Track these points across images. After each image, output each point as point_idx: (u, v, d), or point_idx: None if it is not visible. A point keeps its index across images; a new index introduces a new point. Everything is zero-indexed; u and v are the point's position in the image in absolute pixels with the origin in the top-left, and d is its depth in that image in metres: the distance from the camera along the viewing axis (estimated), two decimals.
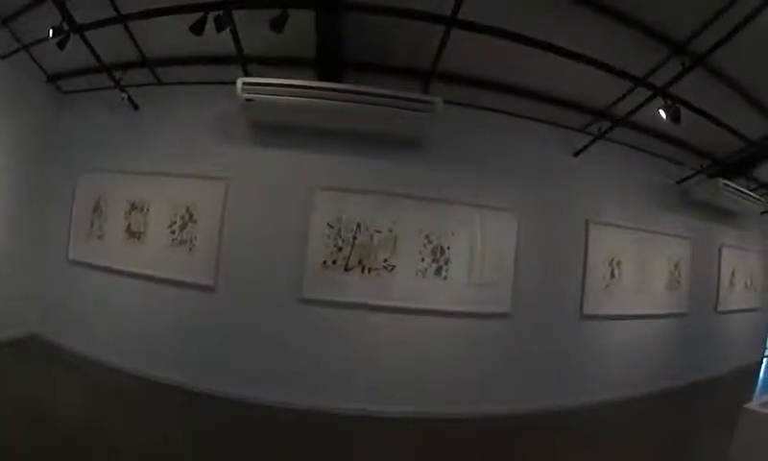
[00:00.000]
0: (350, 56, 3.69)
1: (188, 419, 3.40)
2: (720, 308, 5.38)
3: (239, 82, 3.56)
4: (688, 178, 4.93)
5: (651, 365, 4.58)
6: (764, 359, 6.21)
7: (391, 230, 3.73)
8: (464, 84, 3.85)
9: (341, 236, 3.73)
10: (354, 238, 3.72)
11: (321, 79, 3.69)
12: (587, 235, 4.16)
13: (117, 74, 4.26)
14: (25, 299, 4.67)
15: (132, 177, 4.37)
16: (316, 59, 3.71)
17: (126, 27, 3.81)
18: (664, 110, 3.52)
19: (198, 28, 3.09)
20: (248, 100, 3.60)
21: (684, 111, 3.57)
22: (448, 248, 3.77)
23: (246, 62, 3.89)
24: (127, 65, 4.28)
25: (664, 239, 4.71)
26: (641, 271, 4.52)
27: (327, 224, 3.75)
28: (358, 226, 3.73)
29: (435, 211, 3.78)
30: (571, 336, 4.12)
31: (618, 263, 4.35)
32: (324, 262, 3.73)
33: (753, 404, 2.34)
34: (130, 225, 4.35)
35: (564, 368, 4.06)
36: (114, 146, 4.55)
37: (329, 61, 3.70)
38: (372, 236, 3.72)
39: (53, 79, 4.72)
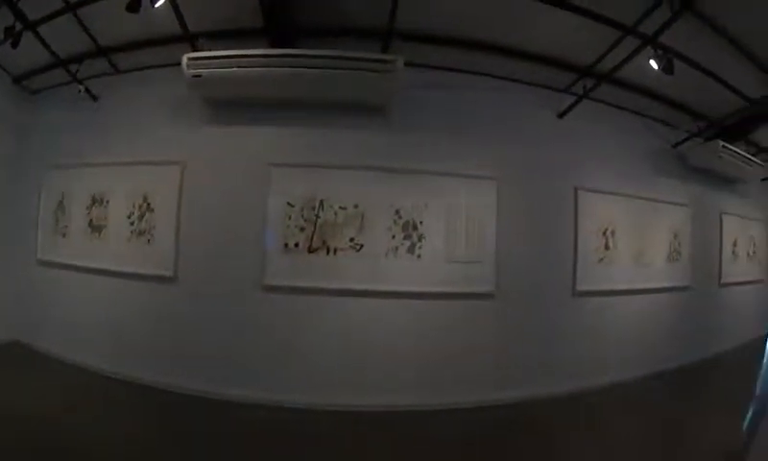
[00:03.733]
0: (302, 20, 3.08)
1: (154, 416, 2.85)
2: (724, 280, 4.58)
3: (184, 58, 3.02)
4: (684, 141, 4.17)
5: (652, 344, 3.84)
6: None
7: (357, 207, 3.06)
8: (431, 44, 3.17)
9: (303, 216, 3.08)
10: (317, 217, 3.07)
11: (272, 47, 3.07)
12: (576, 204, 3.44)
13: (74, 67, 3.72)
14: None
15: (92, 170, 3.81)
16: (265, 27, 3.10)
17: (76, 17, 3.25)
18: (656, 60, 2.85)
19: (133, 6, 2.62)
20: (195, 76, 3.04)
21: (677, 68, 2.93)
22: (421, 223, 3.09)
23: (194, 39, 3.28)
24: (82, 57, 3.72)
25: (662, 207, 3.97)
26: (639, 242, 3.78)
27: (287, 203, 3.10)
28: (321, 203, 3.07)
29: (405, 183, 3.10)
30: (564, 316, 3.40)
31: (612, 233, 3.61)
32: (287, 245, 3.08)
33: None
34: (92, 220, 3.76)
35: (556, 351, 3.33)
36: (76, 140, 3.97)
37: (279, 28, 3.10)
38: (335, 214, 3.06)
39: (19, 79, 4.19)
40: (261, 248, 3.11)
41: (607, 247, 3.58)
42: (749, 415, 3.07)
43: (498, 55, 3.27)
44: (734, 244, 4.77)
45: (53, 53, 3.58)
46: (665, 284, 3.93)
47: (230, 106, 3.31)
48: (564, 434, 2.78)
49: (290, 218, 3.09)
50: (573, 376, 3.34)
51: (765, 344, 5.60)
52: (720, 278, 4.54)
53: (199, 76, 3.05)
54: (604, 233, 3.56)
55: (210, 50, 3.12)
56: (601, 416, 3.08)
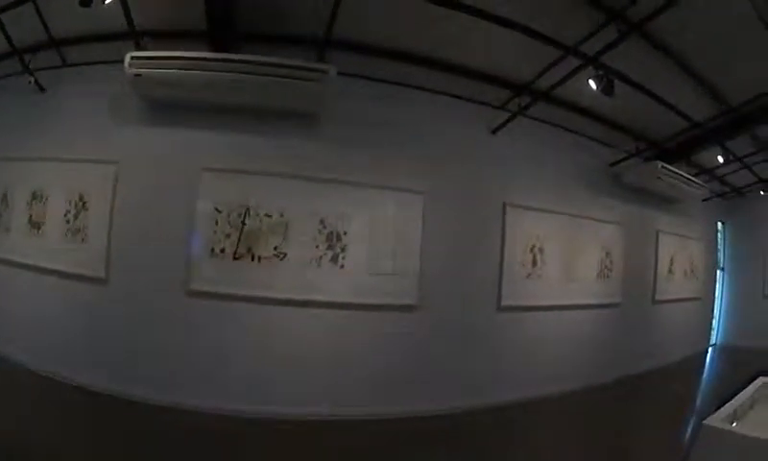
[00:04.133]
0: (245, 26, 3.08)
1: (76, 418, 2.85)
2: (658, 298, 4.69)
3: (127, 56, 3.01)
4: (621, 160, 4.27)
5: (579, 359, 3.93)
6: (709, 351, 5.52)
7: (282, 215, 3.10)
8: (366, 55, 3.20)
9: (229, 222, 3.11)
10: (243, 223, 3.10)
11: (214, 51, 3.09)
12: (504, 220, 3.51)
13: (27, 57, 3.70)
14: None
15: (34, 164, 3.77)
16: (209, 30, 3.11)
17: (36, 6, 3.21)
18: (595, 81, 2.86)
19: (86, 0, 2.63)
20: (136, 75, 3.04)
21: (618, 88, 2.93)
22: (345, 233, 3.14)
23: (140, 37, 3.28)
24: (37, 48, 3.70)
25: (594, 225, 4.06)
26: (568, 259, 3.87)
27: (215, 208, 3.13)
28: (247, 210, 3.10)
29: (331, 193, 3.14)
30: (487, 330, 3.47)
31: (541, 250, 3.69)
32: (213, 250, 3.11)
33: (713, 420, 1.67)
34: (31, 216, 3.75)
35: (477, 365, 3.40)
36: (21, 132, 3.95)
37: (220, 32, 3.11)
38: (261, 221, 3.09)
39: None
40: (188, 253, 3.13)
41: (534, 263, 3.66)
42: (689, 428, 3.13)
43: (433, 69, 3.32)
44: (671, 262, 4.89)
45: (11, 43, 3.56)
46: (594, 301, 4.02)
47: (169, 107, 3.31)
48: (485, 447, 2.79)
49: (217, 224, 3.12)
50: (494, 390, 3.41)
51: (704, 360, 5.75)
52: (654, 295, 4.65)
53: (139, 75, 3.06)
54: (531, 250, 3.64)
55: (154, 50, 3.14)
56: (528, 430, 3.12)
